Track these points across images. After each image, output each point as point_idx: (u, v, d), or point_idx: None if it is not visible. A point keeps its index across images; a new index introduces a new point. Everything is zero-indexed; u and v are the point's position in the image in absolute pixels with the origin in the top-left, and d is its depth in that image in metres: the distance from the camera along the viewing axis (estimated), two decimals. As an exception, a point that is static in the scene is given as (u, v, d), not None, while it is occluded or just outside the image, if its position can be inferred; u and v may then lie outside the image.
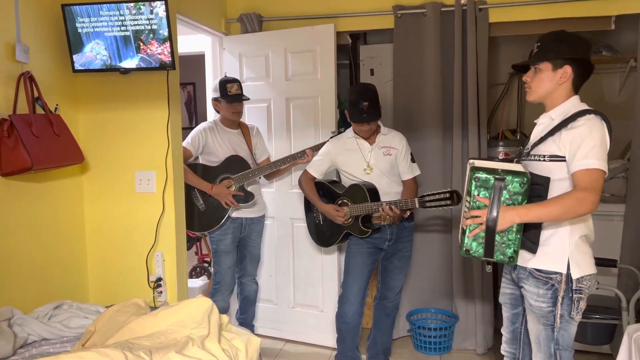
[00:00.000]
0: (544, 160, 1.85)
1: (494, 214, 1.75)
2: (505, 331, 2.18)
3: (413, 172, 2.90)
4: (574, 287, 1.83)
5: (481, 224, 1.78)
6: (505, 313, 2.15)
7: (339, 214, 2.84)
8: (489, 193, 1.77)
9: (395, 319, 3.16)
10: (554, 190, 1.83)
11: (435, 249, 3.41)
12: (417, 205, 2.63)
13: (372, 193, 2.77)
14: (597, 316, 2.83)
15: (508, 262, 1.82)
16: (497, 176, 1.76)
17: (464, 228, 1.84)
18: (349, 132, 2.90)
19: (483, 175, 1.78)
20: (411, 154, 2.90)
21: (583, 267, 1.84)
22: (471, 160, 1.89)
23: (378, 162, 2.83)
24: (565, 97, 1.90)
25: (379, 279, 3.07)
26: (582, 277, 1.83)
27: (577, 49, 1.88)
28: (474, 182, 1.79)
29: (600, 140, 1.76)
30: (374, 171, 2.82)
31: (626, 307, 2.69)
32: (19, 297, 2.25)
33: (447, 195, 2.54)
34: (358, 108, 2.69)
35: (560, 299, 1.84)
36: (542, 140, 1.88)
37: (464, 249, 1.85)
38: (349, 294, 2.88)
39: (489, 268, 2.01)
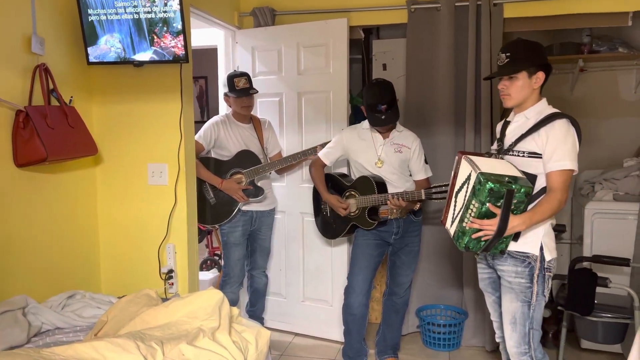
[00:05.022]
0: (524, 156, 2.06)
1: (505, 224, 1.91)
2: (494, 317, 2.34)
3: (426, 172, 2.91)
4: (545, 266, 2.07)
5: (489, 230, 1.94)
6: (489, 299, 2.33)
7: (341, 205, 2.86)
8: (499, 203, 1.91)
9: (404, 315, 3.16)
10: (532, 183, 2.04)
11: (445, 245, 3.39)
12: (423, 197, 2.66)
13: (380, 186, 2.78)
14: (609, 315, 2.80)
15: (499, 254, 2.07)
16: (508, 188, 1.89)
17: (466, 228, 1.99)
18: (365, 123, 2.89)
19: (496, 187, 1.88)
20: (424, 156, 2.90)
21: (552, 250, 2.10)
22: (474, 163, 2.00)
23: (388, 157, 2.83)
24: (536, 98, 2.13)
25: (388, 274, 3.08)
26: (551, 259, 2.08)
27: (544, 56, 2.13)
28: (486, 192, 1.89)
29: (573, 144, 2.01)
30: (384, 165, 2.82)
31: (638, 306, 2.67)
32: (33, 287, 2.28)
33: None
34: (376, 111, 2.71)
35: (535, 276, 2.06)
36: (522, 137, 2.08)
37: (464, 245, 2.02)
38: (355, 284, 2.90)
39: (478, 255, 2.29)
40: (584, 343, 3.17)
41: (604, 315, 2.81)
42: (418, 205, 2.84)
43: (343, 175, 3.07)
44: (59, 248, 2.47)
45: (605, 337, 2.92)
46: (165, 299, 2.24)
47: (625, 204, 3.18)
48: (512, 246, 2.07)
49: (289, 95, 3.43)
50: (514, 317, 2.11)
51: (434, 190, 2.64)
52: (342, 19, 3.22)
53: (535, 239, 2.06)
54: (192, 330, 1.85)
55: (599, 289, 2.74)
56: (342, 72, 3.24)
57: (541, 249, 2.06)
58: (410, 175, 2.91)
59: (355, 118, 3.61)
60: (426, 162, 2.92)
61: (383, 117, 2.71)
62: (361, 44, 4.04)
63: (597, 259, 2.86)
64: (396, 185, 2.83)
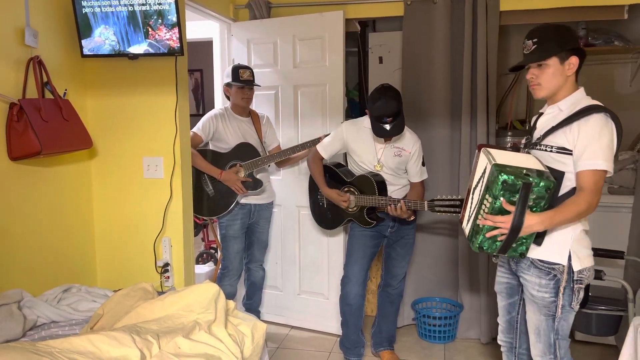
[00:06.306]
0: (552, 152, 1.87)
1: (520, 221, 1.72)
2: (501, 320, 2.22)
3: (422, 175, 2.90)
4: (575, 278, 1.88)
5: (503, 228, 1.77)
6: (501, 302, 2.19)
7: (342, 198, 2.86)
8: (514, 198, 1.72)
9: (399, 306, 3.18)
10: (558, 181, 1.86)
11: (441, 238, 3.41)
12: (426, 208, 2.63)
13: (381, 186, 2.77)
14: (603, 307, 2.82)
15: (518, 257, 1.86)
16: (524, 181, 1.69)
17: (480, 226, 1.82)
18: (367, 121, 2.81)
19: (510, 179, 1.69)
20: (422, 158, 2.88)
21: (583, 259, 1.89)
22: (491, 155, 1.83)
23: (387, 160, 2.82)
24: (572, 87, 1.92)
25: (383, 266, 3.09)
26: (582, 269, 1.88)
27: (576, 39, 1.92)
28: (499, 185, 1.71)
29: (609, 142, 1.79)
30: (383, 168, 2.83)
31: (632, 298, 2.68)
32: (28, 280, 2.28)
33: (458, 202, 2.53)
34: (381, 121, 2.65)
35: (562, 289, 1.88)
36: (552, 130, 1.88)
37: (477, 245, 1.84)
38: (350, 274, 2.92)
39: (496, 259, 2.11)
40: (577, 335, 3.19)
41: (598, 307, 2.82)
42: (413, 217, 2.78)
43: (339, 165, 3.06)
44: (54, 242, 2.46)
45: (599, 329, 2.94)
46: (161, 293, 2.24)
47: (620, 197, 3.20)
48: (537, 254, 1.89)
49: (284, 89, 3.41)
50: (538, 329, 1.97)
51: (437, 202, 2.57)
52: (338, 12, 3.21)
53: (563, 247, 1.87)
54: (188, 324, 1.86)
55: (593, 282, 2.76)
56: (338, 65, 3.23)
57: (569, 258, 1.86)
58: (406, 173, 2.91)
59: (351, 111, 3.61)
60: (423, 164, 2.89)
61: (388, 127, 2.65)
62: (357, 36, 4.02)
63: (592, 251, 2.87)
64: (393, 183, 2.85)
